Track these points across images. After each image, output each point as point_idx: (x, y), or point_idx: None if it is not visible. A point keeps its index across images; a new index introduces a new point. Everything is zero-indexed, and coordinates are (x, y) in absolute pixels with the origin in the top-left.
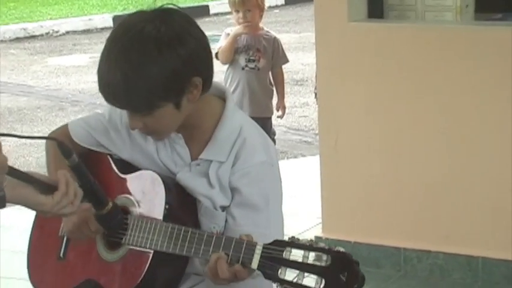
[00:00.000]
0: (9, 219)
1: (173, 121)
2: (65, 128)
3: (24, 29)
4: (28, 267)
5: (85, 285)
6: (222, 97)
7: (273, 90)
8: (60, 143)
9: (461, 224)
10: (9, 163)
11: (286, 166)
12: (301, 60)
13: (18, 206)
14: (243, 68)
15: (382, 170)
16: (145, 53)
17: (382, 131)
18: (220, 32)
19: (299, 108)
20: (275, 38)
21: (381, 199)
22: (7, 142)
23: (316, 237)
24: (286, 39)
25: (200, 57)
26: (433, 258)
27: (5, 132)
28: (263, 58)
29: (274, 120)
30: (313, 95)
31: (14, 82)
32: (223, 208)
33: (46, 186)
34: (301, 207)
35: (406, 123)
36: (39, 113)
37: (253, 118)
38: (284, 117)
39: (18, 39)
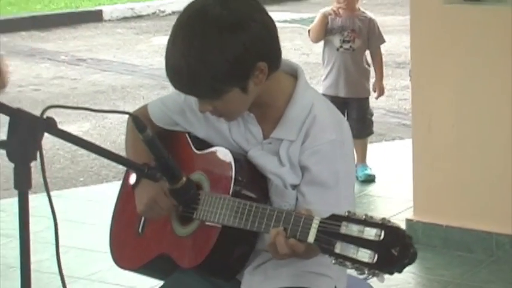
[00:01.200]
0: (100, 194)
1: (242, 104)
2: (144, 108)
3: (132, 9)
4: (110, 242)
5: (158, 260)
6: (294, 75)
7: (369, 71)
8: (135, 118)
9: None
10: (111, 140)
11: (382, 148)
12: (404, 43)
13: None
14: (337, 49)
15: (475, 153)
16: (207, 40)
17: (476, 114)
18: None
19: (399, 91)
20: (370, 18)
21: (473, 183)
22: (109, 119)
23: (408, 220)
24: (390, 21)
25: (264, 41)
26: None
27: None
28: (358, 39)
29: (374, 103)
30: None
31: (119, 61)
32: (294, 187)
33: None
34: (395, 190)
35: (501, 107)
36: (142, 92)
37: (349, 98)
38: (384, 99)
39: (125, 19)
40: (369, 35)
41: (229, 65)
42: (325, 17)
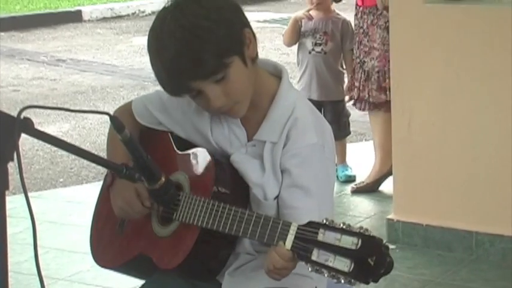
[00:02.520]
0: (80, 195)
1: (247, 80)
2: (129, 105)
3: (111, 9)
4: (90, 240)
5: (138, 260)
6: (278, 75)
7: (343, 74)
8: (113, 118)
9: None
10: (91, 140)
11: (362, 148)
12: None
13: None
14: (309, 52)
15: (456, 152)
16: (197, 19)
17: (456, 113)
18: None
19: None
20: (344, 20)
21: (453, 182)
22: (89, 120)
23: (388, 220)
24: None
25: (243, 14)
26: (505, 242)
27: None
28: (330, 41)
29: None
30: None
31: (99, 61)
32: (275, 198)
33: None
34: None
35: (481, 105)
36: (122, 92)
37: (322, 101)
38: None
39: (104, 19)
40: (343, 38)
41: (224, 32)
42: (296, 21)
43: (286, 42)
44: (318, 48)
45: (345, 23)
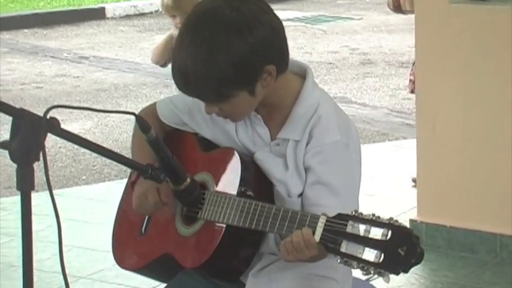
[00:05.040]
0: (102, 192)
1: (248, 106)
2: (153, 106)
3: (134, 7)
4: (112, 242)
5: (161, 260)
6: (302, 75)
7: None
8: (139, 118)
9: None
10: (113, 138)
11: (386, 148)
12: (408, 42)
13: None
14: None
15: (480, 153)
16: (214, 44)
17: (481, 114)
18: (329, 13)
19: (403, 91)
20: None
21: (477, 184)
22: (111, 118)
23: (411, 221)
24: (394, 20)
25: (272, 45)
26: None
27: (111, 108)
28: None
29: (377, 102)
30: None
31: (122, 59)
32: (298, 195)
33: None
34: (398, 190)
35: (506, 107)
36: (144, 90)
37: None
38: (387, 98)
39: (127, 17)
40: None
41: (236, 69)
42: (172, 38)
43: (155, 59)
44: None
45: None
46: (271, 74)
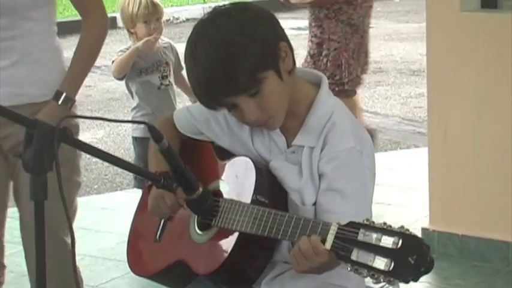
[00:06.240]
0: (114, 201)
1: (282, 94)
2: (170, 115)
3: None
4: (127, 248)
5: (174, 267)
6: (317, 84)
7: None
8: (151, 128)
9: None
10: (125, 147)
11: (397, 156)
12: (419, 51)
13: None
14: (159, 88)
15: (493, 162)
16: (229, 35)
17: (493, 123)
18: None
19: (414, 99)
20: (171, 43)
21: (490, 192)
22: (123, 127)
23: (423, 229)
24: (405, 29)
25: (278, 26)
26: None
27: (122, 117)
28: (171, 71)
29: (389, 110)
30: None
31: None
32: (312, 204)
33: None
34: (410, 198)
35: None
36: None
37: None
38: (399, 107)
39: None
40: (176, 61)
41: (258, 47)
42: (138, 50)
43: (117, 71)
44: (166, 81)
45: (173, 46)
46: (287, 54)
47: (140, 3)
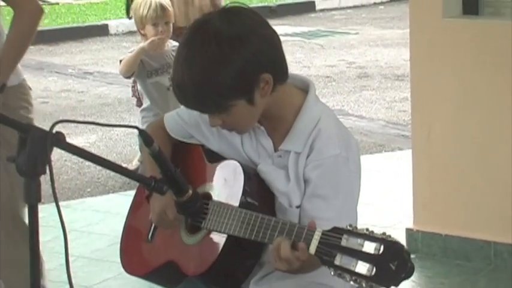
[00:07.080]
0: (107, 204)
1: (250, 116)
2: (161, 120)
3: None
4: (120, 248)
5: (166, 267)
6: (305, 89)
7: None
8: (142, 132)
9: None
10: (117, 151)
11: (382, 159)
12: (403, 56)
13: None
14: (168, 89)
15: (474, 164)
16: (208, 57)
17: (476, 126)
18: (326, 28)
19: (398, 103)
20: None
21: (472, 193)
22: (115, 131)
23: (407, 230)
24: (389, 35)
25: (266, 54)
26: None
27: (115, 122)
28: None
29: (374, 114)
30: None
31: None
32: (298, 206)
33: None
34: (395, 200)
35: (500, 119)
36: None
37: None
38: (384, 111)
39: (130, 33)
40: None
41: (232, 79)
42: (143, 50)
43: (124, 70)
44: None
45: None
46: (268, 83)
47: (150, 6)
